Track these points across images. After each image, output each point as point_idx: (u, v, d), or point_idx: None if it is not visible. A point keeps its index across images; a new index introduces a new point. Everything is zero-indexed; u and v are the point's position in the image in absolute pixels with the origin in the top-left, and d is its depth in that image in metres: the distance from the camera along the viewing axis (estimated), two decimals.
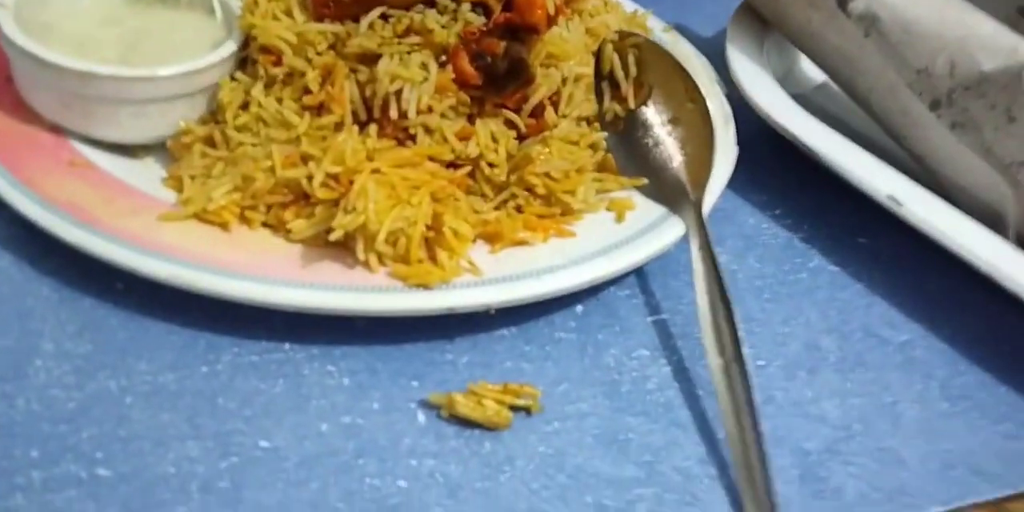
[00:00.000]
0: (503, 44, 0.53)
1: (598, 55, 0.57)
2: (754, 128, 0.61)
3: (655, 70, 0.58)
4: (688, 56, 0.66)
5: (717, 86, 0.64)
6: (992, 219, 0.55)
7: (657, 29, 0.68)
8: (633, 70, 0.58)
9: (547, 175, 0.53)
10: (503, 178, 0.53)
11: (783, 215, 0.62)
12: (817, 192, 0.61)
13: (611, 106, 0.57)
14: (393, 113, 0.50)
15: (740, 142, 0.60)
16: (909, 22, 0.58)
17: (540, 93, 0.55)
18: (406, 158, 0.50)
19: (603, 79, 0.58)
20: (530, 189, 0.53)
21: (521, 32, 0.53)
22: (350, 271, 0.48)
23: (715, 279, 0.50)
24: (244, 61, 0.55)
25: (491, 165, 0.53)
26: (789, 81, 0.67)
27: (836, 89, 0.65)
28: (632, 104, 0.57)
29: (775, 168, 0.63)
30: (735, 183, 0.59)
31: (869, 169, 0.56)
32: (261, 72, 0.53)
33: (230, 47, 0.54)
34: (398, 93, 0.50)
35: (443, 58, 0.53)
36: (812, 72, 0.68)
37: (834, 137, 0.59)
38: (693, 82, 0.59)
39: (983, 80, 0.56)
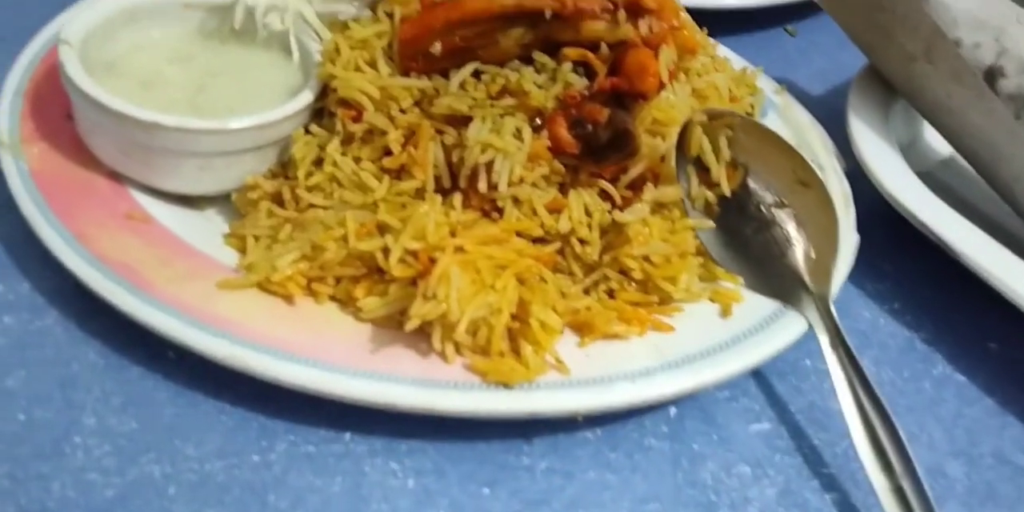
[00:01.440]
0: (607, 111, 0.47)
1: (682, 136, 0.50)
2: (872, 207, 0.55)
3: (754, 149, 0.52)
4: (803, 125, 0.60)
5: (835, 160, 0.57)
6: None
7: (768, 89, 0.62)
8: (726, 153, 0.51)
9: (645, 258, 0.47)
10: (595, 257, 0.48)
11: (903, 310, 0.55)
12: (943, 285, 0.55)
13: (700, 192, 0.51)
14: (482, 186, 0.45)
15: (858, 223, 0.54)
16: None
17: (642, 165, 0.49)
18: (492, 235, 0.44)
19: (688, 162, 0.51)
20: (625, 272, 0.48)
21: (627, 99, 0.48)
22: (423, 360, 0.43)
23: (863, 386, 0.43)
24: (321, 111, 0.50)
25: (582, 242, 0.48)
26: (912, 152, 0.60)
27: (967, 167, 0.58)
28: (726, 190, 0.51)
29: (896, 255, 0.57)
30: (851, 270, 0.52)
31: (1008, 268, 0.49)
32: (338, 127, 0.48)
33: (307, 97, 0.49)
34: (489, 164, 0.45)
35: (538, 122, 0.48)
36: (939, 144, 0.62)
37: (968, 227, 0.52)
38: (803, 160, 0.52)
39: None
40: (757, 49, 0.74)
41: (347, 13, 0.55)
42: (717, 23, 0.71)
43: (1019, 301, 0.49)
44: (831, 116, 0.62)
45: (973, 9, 0.55)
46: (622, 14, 0.48)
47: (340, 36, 0.50)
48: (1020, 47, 0.53)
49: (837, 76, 0.70)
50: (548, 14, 0.48)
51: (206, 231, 0.48)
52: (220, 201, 0.50)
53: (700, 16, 0.68)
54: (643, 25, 0.49)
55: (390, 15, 0.51)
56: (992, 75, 0.53)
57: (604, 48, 0.49)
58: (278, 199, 0.48)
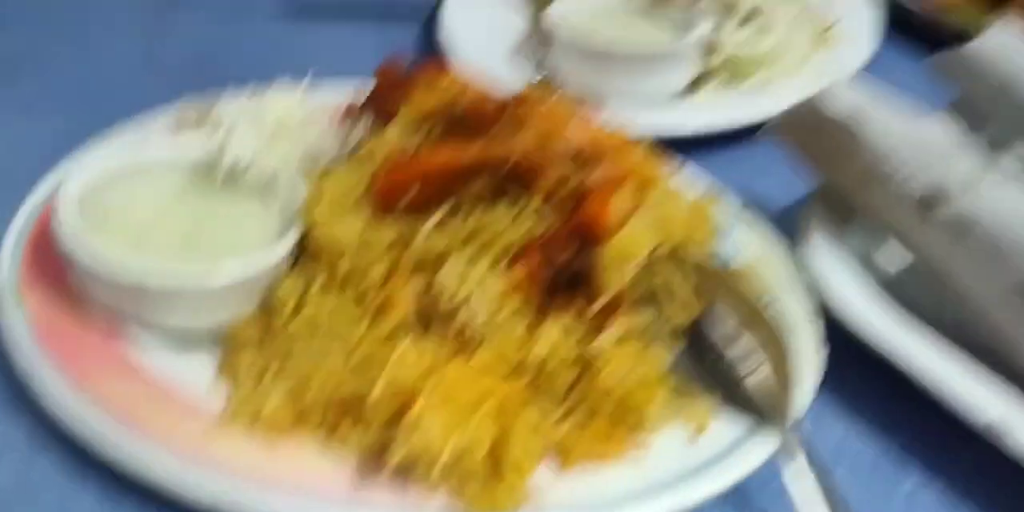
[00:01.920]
0: (571, 250, 0.51)
1: (645, 269, 0.53)
2: (839, 324, 0.57)
3: (712, 279, 0.55)
4: (766, 244, 0.63)
5: (798, 279, 0.60)
6: None
7: (732, 209, 0.66)
8: (685, 284, 0.54)
9: (620, 384, 0.49)
10: (567, 388, 0.50)
11: (874, 424, 0.57)
12: (913, 396, 0.56)
13: (663, 322, 0.53)
14: (458, 323, 0.48)
15: (825, 339, 0.56)
16: (997, 233, 0.54)
17: (609, 295, 0.52)
18: (469, 369, 0.47)
19: (651, 294, 0.54)
20: (600, 398, 0.50)
21: (588, 239, 0.51)
22: (407, 494, 0.45)
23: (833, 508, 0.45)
24: (304, 255, 0.53)
25: (557, 370, 0.50)
26: (881, 257, 0.63)
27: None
28: (686, 320, 0.54)
29: (865, 368, 0.58)
30: (819, 387, 0.55)
31: (966, 387, 0.51)
32: (319, 272, 0.51)
33: (289, 242, 0.52)
34: (464, 302, 0.48)
35: (510, 259, 0.51)
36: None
37: (926, 345, 0.54)
38: (760, 284, 0.55)
39: None
40: (722, 165, 0.79)
41: (327, 159, 0.59)
42: (682, 142, 0.76)
43: (976, 425, 0.50)
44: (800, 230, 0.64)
45: (902, 144, 0.59)
46: (579, 161, 0.53)
47: (320, 184, 0.54)
48: (950, 180, 0.57)
49: (802, 187, 0.74)
50: (507, 166, 0.51)
51: (198, 366, 0.50)
52: (209, 339, 0.52)
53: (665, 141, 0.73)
54: (599, 170, 0.53)
55: (365, 163, 0.55)
56: (927, 204, 0.57)
57: (565, 191, 0.52)
58: (263, 340, 0.50)
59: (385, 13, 0.97)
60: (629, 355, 0.51)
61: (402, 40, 0.93)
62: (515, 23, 0.92)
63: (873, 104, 0.64)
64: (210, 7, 0.96)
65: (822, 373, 0.54)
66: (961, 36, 0.92)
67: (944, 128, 0.71)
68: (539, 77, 0.82)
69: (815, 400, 0.56)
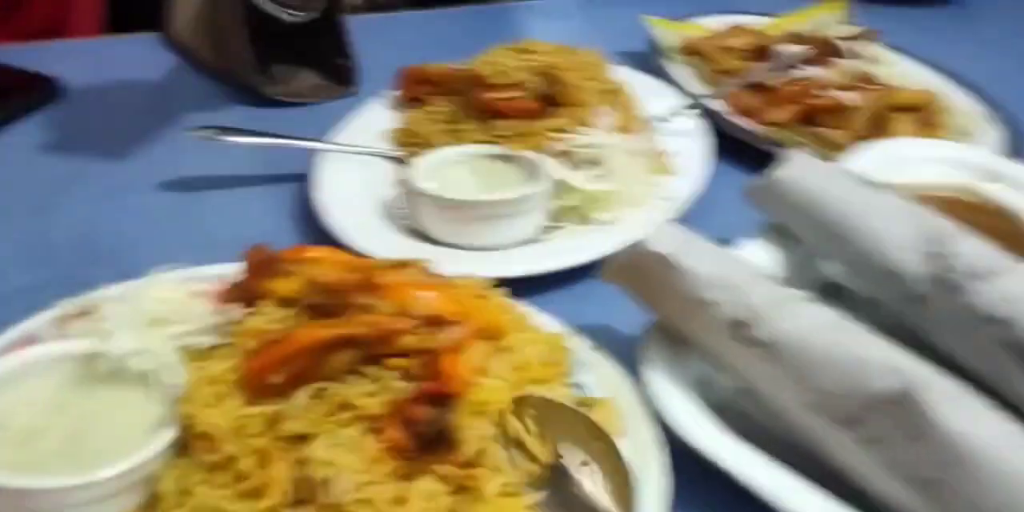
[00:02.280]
0: (429, 412, 0.56)
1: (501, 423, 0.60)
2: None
3: (557, 419, 0.61)
4: (615, 379, 0.70)
5: (646, 409, 0.67)
6: None
7: (584, 348, 0.73)
8: (533, 429, 0.60)
9: None
10: None
11: None
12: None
13: (525, 467, 0.59)
14: (326, 499, 0.52)
15: (677, 455, 0.62)
16: (802, 347, 0.63)
17: (471, 447, 0.58)
18: None
19: (511, 444, 0.60)
20: None
21: (444, 399, 0.57)
22: None
23: None
24: (184, 443, 0.57)
25: None
26: (720, 378, 0.71)
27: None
28: (542, 460, 0.59)
29: (712, 486, 0.65)
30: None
31: (802, 501, 0.58)
32: (198, 458, 0.55)
33: (168, 434, 0.56)
34: (332, 478, 0.53)
35: (374, 425, 0.57)
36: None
37: (760, 460, 0.61)
38: (592, 421, 0.62)
39: (883, 400, 0.60)
40: (581, 299, 0.87)
41: (206, 343, 0.64)
42: (542, 280, 0.84)
43: None
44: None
45: (715, 273, 0.68)
46: (427, 328, 0.59)
47: (195, 374, 0.59)
48: (756, 302, 0.66)
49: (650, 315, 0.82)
50: (365, 337, 0.58)
51: None
52: None
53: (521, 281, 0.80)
54: (447, 334, 0.60)
55: (238, 346, 0.60)
56: (738, 326, 0.65)
57: (418, 357, 0.59)
58: None
59: (266, 180, 1.05)
60: (499, 507, 0.56)
61: (283, 204, 1.00)
62: (385, 182, 1.01)
63: (691, 241, 0.73)
64: (98, 185, 1.02)
65: (669, 500, 0.60)
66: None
67: (756, 255, 0.81)
68: None
69: None
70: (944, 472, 0.56)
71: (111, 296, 0.69)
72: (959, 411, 0.58)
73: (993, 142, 1.13)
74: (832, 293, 0.84)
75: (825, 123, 1.13)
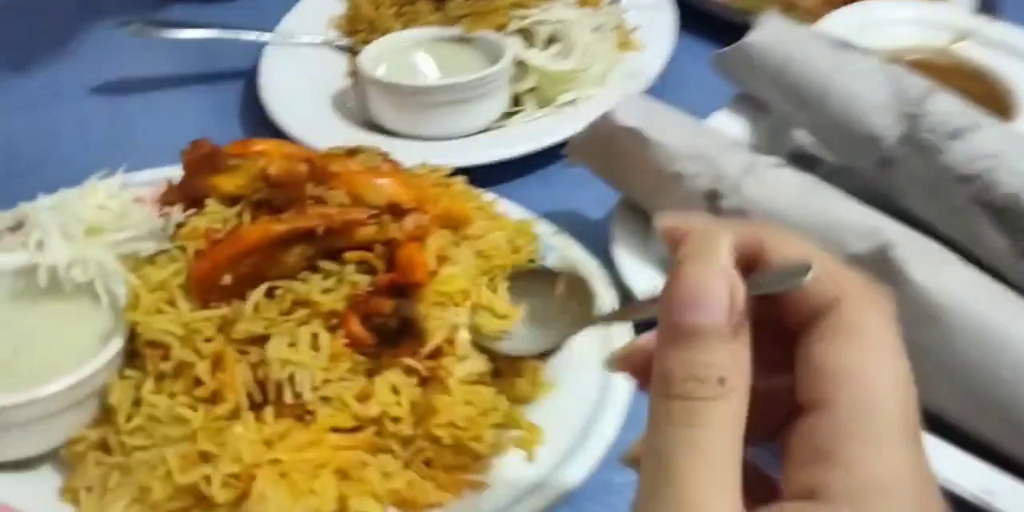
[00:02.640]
0: (391, 303, 0.54)
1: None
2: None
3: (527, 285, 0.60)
4: (578, 261, 0.67)
5: (611, 291, 0.65)
6: None
7: (547, 234, 0.70)
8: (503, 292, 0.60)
9: (452, 424, 0.53)
10: (409, 432, 0.53)
11: None
12: None
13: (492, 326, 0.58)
14: (288, 398, 0.50)
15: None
16: (776, 213, 0.60)
17: (436, 339, 0.55)
18: (307, 439, 0.49)
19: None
20: (437, 440, 0.53)
21: (407, 288, 0.54)
22: None
23: None
24: (133, 354, 0.54)
25: (396, 420, 0.53)
26: None
27: None
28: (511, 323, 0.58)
29: None
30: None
31: None
32: (150, 367, 0.53)
33: (116, 344, 0.53)
34: (290, 377, 0.50)
35: (334, 322, 0.54)
36: None
37: None
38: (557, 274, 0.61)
39: (859, 262, 0.58)
40: (544, 184, 0.84)
41: (148, 249, 0.60)
42: (503, 168, 0.80)
43: None
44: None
45: (686, 144, 0.64)
46: (386, 217, 0.56)
47: (139, 282, 0.55)
48: (729, 171, 0.63)
49: (614, 197, 0.79)
50: (320, 231, 0.54)
51: (42, 491, 0.51)
52: (52, 456, 0.53)
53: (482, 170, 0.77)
54: (408, 222, 0.56)
55: (183, 249, 0.57)
56: (712, 196, 0.62)
57: (378, 248, 0.56)
58: (105, 446, 0.52)
59: (207, 78, 0.98)
60: (463, 393, 0.54)
61: (226, 103, 0.94)
62: (335, 73, 0.95)
63: (659, 112, 0.69)
64: (26, 91, 0.96)
65: None
66: (750, 26, 1.00)
67: (725, 126, 0.77)
68: None
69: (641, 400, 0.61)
70: (918, 333, 0.55)
71: (44, 207, 0.64)
72: (934, 267, 0.57)
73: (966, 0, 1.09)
74: (803, 162, 0.81)
75: None
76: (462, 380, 0.55)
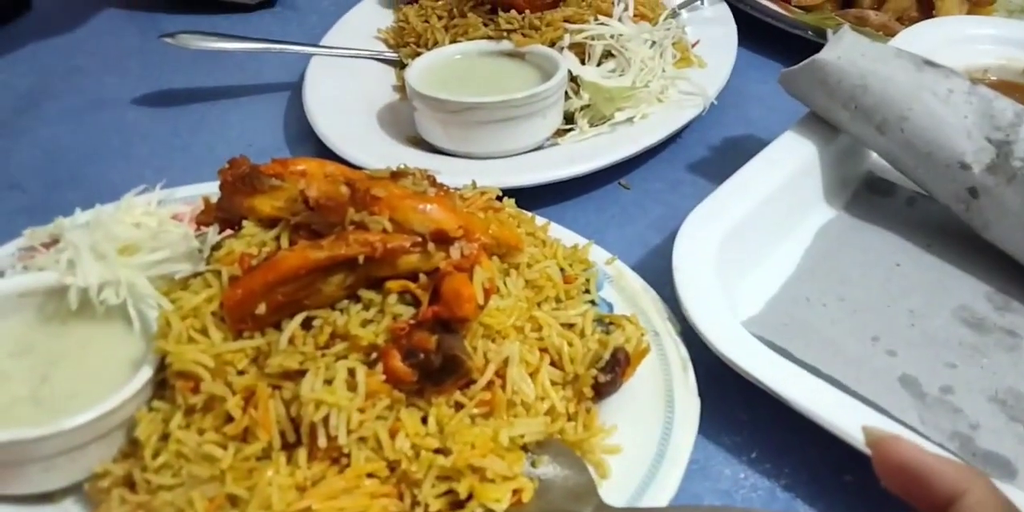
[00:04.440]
0: (435, 338, 0.50)
1: None
2: (717, 361, 0.58)
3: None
4: (636, 293, 0.63)
5: (670, 324, 0.61)
6: None
7: (601, 261, 0.66)
8: None
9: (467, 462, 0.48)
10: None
11: (761, 458, 0.57)
12: (795, 424, 0.56)
13: None
14: (322, 442, 0.46)
15: (706, 377, 0.57)
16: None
17: (488, 373, 0.52)
18: (340, 487, 0.46)
19: None
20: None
21: (452, 323, 0.51)
22: None
23: None
24: (163, 383, 0.51)
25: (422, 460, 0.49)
26: (743, 295, 0.64)
27: (786, 306, 0.63)
28: None
29: (745, 404, 0.59)
30: (705, 428, 0.55)
31: (846, 415, 0.52)
32: (180, 400, 0.49)
33: (145, 374, 0.50)
34: (325, 419, 0.47)
35: (374, 355, 0.50)
36: (764, 289, 0.66)
37: (803, 378, 0.55)
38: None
39: None
40: (597, 208, 0.80)
41: (183, 271, 0.57)
42: (554, 189, 0.76)
43: (849, 440, 0.51)
44: (669, 269, 0.64)
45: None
46: (431, 245, 0.52)
47: (171, 307, 0.52)
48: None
49: (674, 221, 0.74)
50: (361, 259, 0.51)
51: None
52: (75, 489, 0.50)
53: (532, 191, 0.73)
54: (454, 251, 0.52)
55: (218, 274, 0.54)
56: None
57: (422, 277, 0.52)
58: (130, 482, 0.48)
59: (251, 89, 0.96)
60: (476, 433, 0.50)
61: (270, 116, 0.92)
62: (381, 87, 0.92)
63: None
64: (68, 102, 0.94)
65: (699, 414, 0.55)
66: (816, 42, 0.95)
67: (793, 147, 0.73)
68: None
69: (703, 440, 0.57)
70: None
71: (79, 222, 0.62)
72: None
73: None
74: (877, 188, 0.76)
75: (865, 3, 1.02)
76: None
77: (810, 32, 0.97)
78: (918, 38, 0.85)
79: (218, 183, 0.61)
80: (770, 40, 1.00)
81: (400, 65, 0.94)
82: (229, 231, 0.58)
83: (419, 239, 0.53)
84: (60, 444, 0.47)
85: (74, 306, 0.55)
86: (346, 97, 0.88)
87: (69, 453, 0.48)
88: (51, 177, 0.83)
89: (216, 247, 0.57)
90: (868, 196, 0.75)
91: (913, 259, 0.68)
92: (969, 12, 1.02)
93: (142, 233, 0.60)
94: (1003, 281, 0.66)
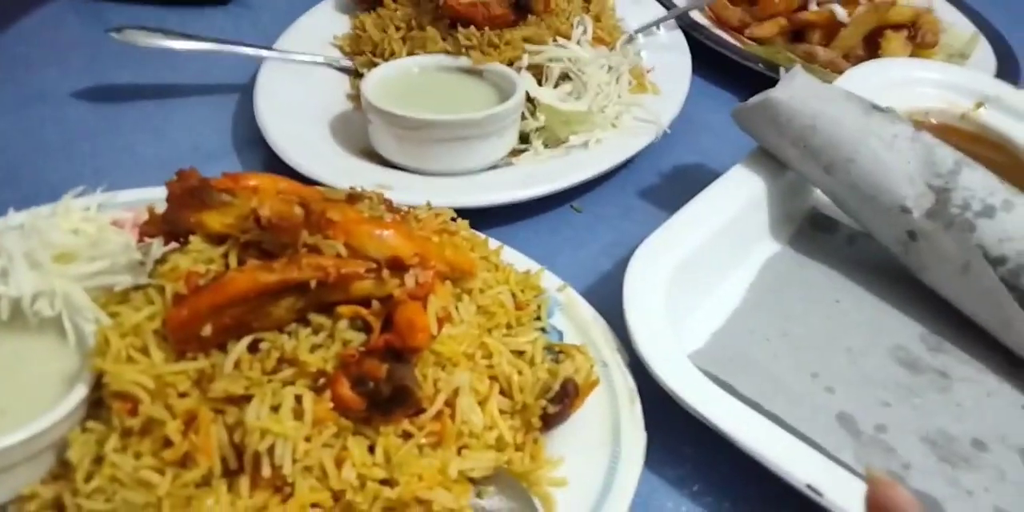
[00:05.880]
0: (385, 367, 0.49)
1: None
2: (664, 392, 0.58)
3: None
4: (586, 322, 0.63)
5: (619, 355, 0.61)
6: None
7: (552, 288, 0.66)
8: None
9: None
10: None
11: (703, 492, 0.58)
12: (735, 459, 0.57)
13: None
14: (266, 471, 0.45)
15: (652, 409, 0.57)
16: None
17: (438, 403, 0.51)
18: None
19: None
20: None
21: (404, 352, 0.50)
22: None
23: None
24: (98, 402, 0.49)
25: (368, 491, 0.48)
26: (690, 327, 0.65)
27: (731, 340, 0.64)
28: None
29: (690, 436, 0.60)
30: (649, 460, 0.55)
31: (786, 453, 0.54)
32: (116, 421, 0.48)
33: (79, 393, 0.48)
34: (270, 449, 0.45)
35: (322, 381, 0.49)
36: (711, 321, 0.67)
37: (746, 414, 0.56)
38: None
39: None
40: (549, 231, 0.80)
41: (123, 283, 0.55)
42: (506, 210, 0.76)
43: (788, 478, 0.53)
44: (619, 297, 0.65)
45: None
46: (385, 272, 0.51)
47: (110, 323, 0.50)
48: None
49: (625, 248, 0.75)
50: (313, 284, 0.50)
51: None
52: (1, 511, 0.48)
53: (485, 212, 0.73)
54: (409, 278, 0.52)
55: (161, 289, 0.52)
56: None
57: (375, 303, 0.51)
58: (59, 506, 0.46)
59: (200, 89, 0.93)
60: (424, 465, 0.49)
61: (219, 117, 0.90)
62: (335, 95, 0.91)
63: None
64: (4, 95, 0.90)
65: (644, 447, 0.55)
66: (768, 73, 0.97)
67: (741, 181, 0.75)
68: None
69: (648, 472, 0.57)
70: None
71: (13, 225, 0.59)
72: None
73: (985, 63, 1.07)
74: (820, 224, 0.78)
75: (814, 39, 1.05)
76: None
77: (761, 64, 1.00)
78: (864, 79, 0.88)
79: (162, 188, 0.59)
80: (723, 70, 1.02)
81: (355, 74, 0.92)
82: (174, 244, 0.56)
83: (374, 265, 0.52)
84: None
85: (5, 316, 0.52)
86: (298, 104, 0.87)
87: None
88: None
89: (160, 261, 0.55)
90: (811, 232, 0.77)
91: (853, 296, 0.70)
92: (912, 54, 1.06)
93: (80, 240, 0.58)
94: (937, 323, 0.68)
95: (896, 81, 0.90)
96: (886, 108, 0.72)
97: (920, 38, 1.07)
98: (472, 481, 0.51)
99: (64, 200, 0.61)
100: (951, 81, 0.92)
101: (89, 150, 0.83)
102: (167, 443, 0.47)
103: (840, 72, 0.92)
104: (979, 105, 0.89)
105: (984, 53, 1.10)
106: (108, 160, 0.82)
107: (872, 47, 1.06)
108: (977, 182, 0.66)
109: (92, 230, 0.59)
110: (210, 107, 0.91)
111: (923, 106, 0.89)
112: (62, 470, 0.48)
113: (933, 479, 0.56)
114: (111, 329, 0.50)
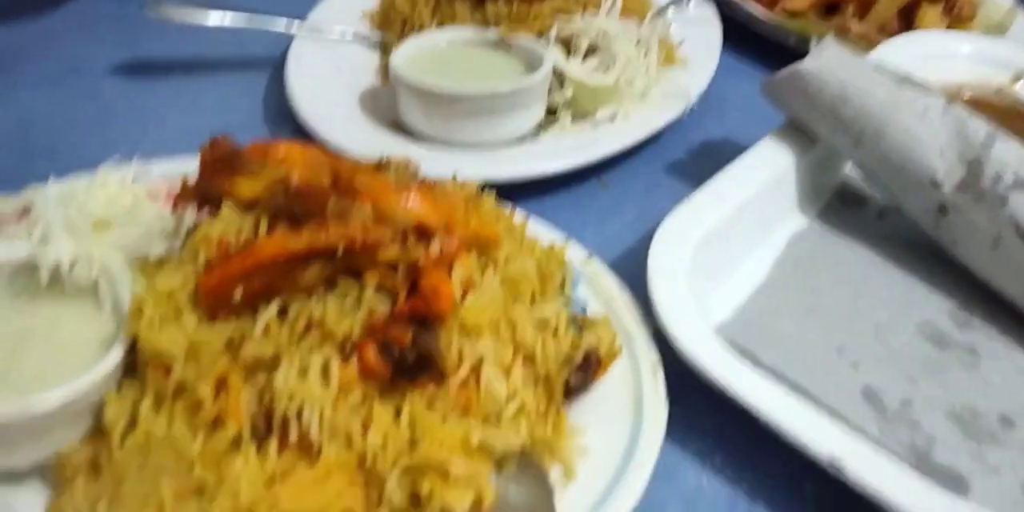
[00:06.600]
0: (411, 334, 0.50)
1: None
2: (686, 367, 0.58)
3: None
4: (611, 295, 0.64)
5: (642, 327, 0.61)
6: None
7: (577, 261, 0.66)
8: None
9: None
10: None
11: (724, 464, 0.59)
12: (757, 432, 0.57)
13: None
14: (294, 435, 0.46)
15: (675, 382, 0.57)
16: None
17: (464, 370, 0.52)
18: (309, 480, 0.46)
19: None
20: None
21: (429, 318, 0.51)
22: None
23: None
24: (132, 365, 0.51)
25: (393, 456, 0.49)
26: (715, 301, 0.65)
27: (756, 314, 0.64)
28: None
29: (712, 409, 0.60)
30: (671, 431, 0.56)
31: (809, 426, 0.54)
32: (150, 384, 0.49)
33: (116, 355, 0.50)
34: (298, 412, 0.47)
35: (348, 347, 0.50)
36: (735, 295, 0.67)
37: (769, 387, 0.56)
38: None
39: None
40: (575, 204, 0.80)
41: (157, 250, 0.57)
42: (533, 182, 0.76)
43: (811, 451, 0.53)
44: (644, 271, 0.65)
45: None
46: (411, 238, 0.52)
47: (144, 288, 0.52)
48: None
49: (650, 222, 0.75)
50: (340, 250, 0.50)
51: (29, 503, 0.48)
52: (42, 471, 0.50)
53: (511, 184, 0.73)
54: (434, 245, 0.52)
55: (194, 257, 0.53)
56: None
57: (401, 270, 0.52)
58: (96, 464, 0.48)
59: (232, 64, 0.94)
60: (447, 431, 0.50)
61: (250, 92, 0.91)
62: (364, 69, 0.91)
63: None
64: (41, 68, 0.92)
65: (666, 422, 0.55)
66: (799, 48, 0.96)
67: (770, 154, 0.74)
68: None
69: (670, 445, 0.58)
70: None
71: (52, 195, 0.61)
72: None
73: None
74: (850, 199, 0.77)
75: (848, 13, 1.03)
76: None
77: (793, 38, 0.98)
78: (898, 51, 0.86)
79: (195, 159, 0.60)
80: (752, 45, 1.01)
81: (384, 48, 0.93)
82: (206, 213, 0.57)
83: (400, 232, 0.53)
84: (26, 426, 0.47)
85: (44, 282, 0.54)
86: (328, 78, 0.87)
87: (35, 434, 0.47)
88: (22, 146, 0.81)
89: (193, 229, 0.56)
90: (840, 207, 0.77)
91: (881, 272, 0.70)
92: (949, 26, 1.04)
93: (116, 210, 0.59)
94: (966, 298, 0.67)
95: (930, 54, 0.89)
96: (917, 81, 0.71)
97: (957, 11, 1.05)
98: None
99: (102, 169, 0.63)
100: (987, 54, 0.90)
101: (122, 123, 0.85)
102: (199, 406, 0.48)
103: (873, 46, 0.90)
104: (1017, 78, 0.87)
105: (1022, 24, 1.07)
106: (140, 132, 0.83)
107: (908, 21, 1.04)
108: (1010, 155, 0.65)
109: (128, 199, 0.60)
110: (241, 81, 0.92)
111: (958, 79, 0.88)
112: (98, 430, 0.50)
113: (958, 455, 0.56)
114: (145, 295, 0.51)
